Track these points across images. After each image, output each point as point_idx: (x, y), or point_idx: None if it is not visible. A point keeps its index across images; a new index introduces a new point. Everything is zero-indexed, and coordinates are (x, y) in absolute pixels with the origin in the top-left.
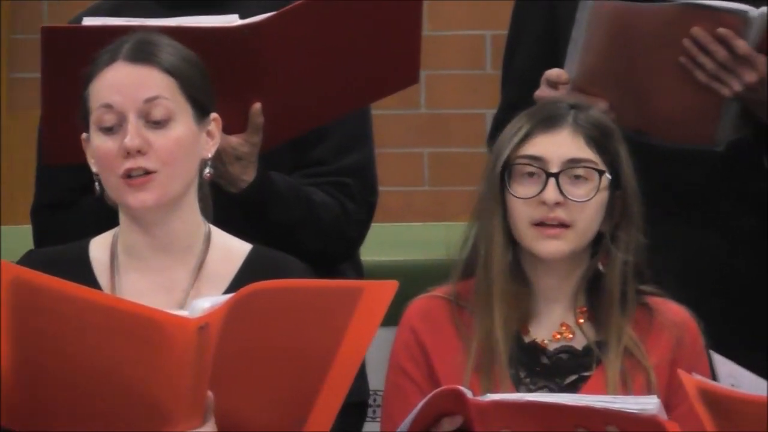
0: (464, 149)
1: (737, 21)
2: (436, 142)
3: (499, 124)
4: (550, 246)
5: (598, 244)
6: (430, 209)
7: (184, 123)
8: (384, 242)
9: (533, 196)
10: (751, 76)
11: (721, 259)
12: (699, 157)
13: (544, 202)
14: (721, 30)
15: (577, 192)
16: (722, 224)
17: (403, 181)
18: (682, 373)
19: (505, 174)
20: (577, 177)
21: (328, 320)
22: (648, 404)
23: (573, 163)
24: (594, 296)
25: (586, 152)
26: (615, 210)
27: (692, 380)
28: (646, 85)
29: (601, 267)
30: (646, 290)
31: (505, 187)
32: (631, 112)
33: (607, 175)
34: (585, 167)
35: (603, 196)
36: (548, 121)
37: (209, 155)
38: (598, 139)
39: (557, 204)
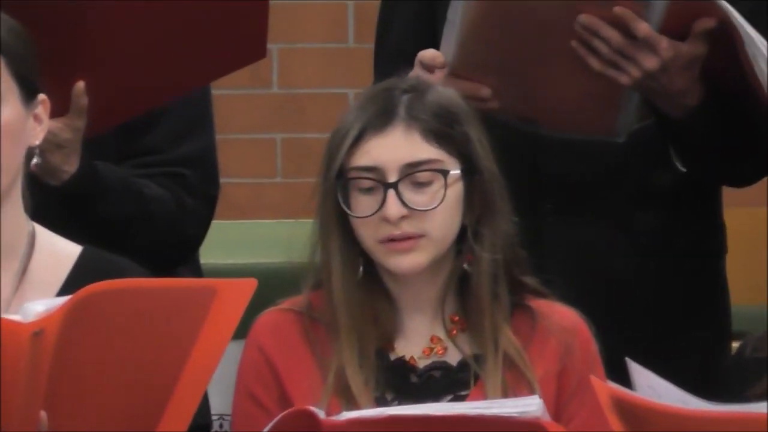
0: (324, 135)
1: (636, 5)
2: (290, 127)
3: None
4: (405, 261)
5: (464, 238)
6: (284, 204)
7: (11, 106)
8: (228, 242)
9: (373, 214)
10: (651, 62)
11: (616, 260)
12: (594, 146)
13: (386, 219)
14: (618, 9)
15: (422, 200)
16: (618, 221)
17: (251, 172)
18: (594, 380)
19: (338, 187)
20: (420, 183)
21: (176, 326)
22: (529, 406)
23: (412, 167)
24: (465, 301)
25: (425, 151)
26: (475, 199)
27: (605, 387)
28: (535, 71)
29: (467, 267)
30: (528, 288)
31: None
32: (518, 101)
33: (454, 172)
34: (426, 170)
35: (456, 190)
36: (379, 118)
37: (37, 142)
38: (438, 129)
39: (402, 218)
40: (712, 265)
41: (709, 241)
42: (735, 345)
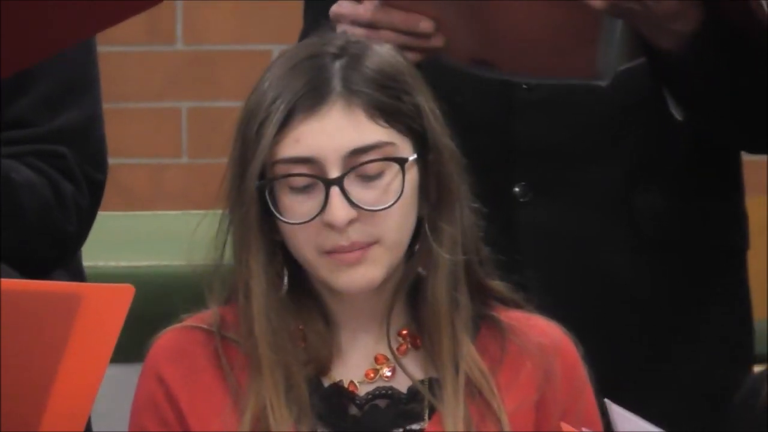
0: (241, 103)
1: None
2: (199, 93)
3: None
4: (356, 277)
5: (416, 235)
6: (190, 191)
7: None
8: (120, 239)
9: (313, 218)
10: None
11: (608, 256)
12: (577, 103)
13: (331, 225)
14: None
15: (373, 196)
16: (611, 205)
17: (149, 150)
18: (565, 427)
19: (265, 188)
20: (368, 176)
21: (28, 344)
22: None
23: (358, 155)
24: (419, 312)
25: (372, 132)
26: (430, 185)
27: None
28: None
29: (422, 271)
30: (494, 294)
31: (268, 202)
32: (469, 36)
33: (411, 158)
34: (377, 159)
35: (412, 179)
36: (310, 94)
37: None
38: (384, 104)
39: (351, 222)
40: (731, 265)
41: (728, 233)
42: (758, 369)
